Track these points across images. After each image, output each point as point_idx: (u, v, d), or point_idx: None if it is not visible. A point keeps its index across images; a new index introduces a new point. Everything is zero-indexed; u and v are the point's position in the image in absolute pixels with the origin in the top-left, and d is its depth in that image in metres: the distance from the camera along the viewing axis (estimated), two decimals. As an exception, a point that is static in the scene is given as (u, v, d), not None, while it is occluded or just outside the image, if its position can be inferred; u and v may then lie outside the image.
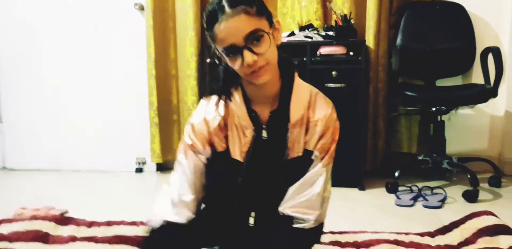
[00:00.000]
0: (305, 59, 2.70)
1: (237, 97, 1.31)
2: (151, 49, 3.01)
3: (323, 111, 1.31)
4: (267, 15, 1.22)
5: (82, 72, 3.24)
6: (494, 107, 2.99)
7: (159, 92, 3.07)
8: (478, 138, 3.06)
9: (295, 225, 1.28)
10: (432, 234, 1.96)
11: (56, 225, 2.05)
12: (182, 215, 1.31)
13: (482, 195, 2.52)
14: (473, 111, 3.02)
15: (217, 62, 1.28)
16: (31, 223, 2.02)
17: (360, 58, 2.67)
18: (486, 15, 2.95)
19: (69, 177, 3.17)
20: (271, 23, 1.23)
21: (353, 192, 2.70)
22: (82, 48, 3.22)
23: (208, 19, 1.19)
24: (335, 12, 2.84)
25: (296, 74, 1.34)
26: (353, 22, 2.79)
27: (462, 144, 3.02)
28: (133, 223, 2.07)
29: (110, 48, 3.19)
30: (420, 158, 2.79)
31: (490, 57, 2.67)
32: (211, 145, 1.34)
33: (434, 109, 2.68)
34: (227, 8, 1.15)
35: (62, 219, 2.13)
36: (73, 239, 1.93)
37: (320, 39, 2.76)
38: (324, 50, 2.70)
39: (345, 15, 2.79)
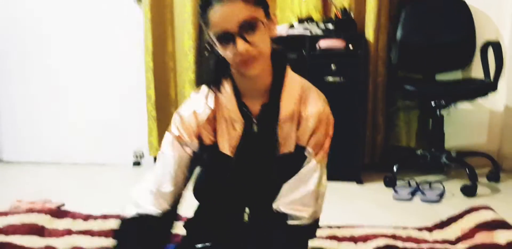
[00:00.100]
0: (304, 52, 2.68)
1: (227, 89, 1.28)
2: (149, 42, 2.99)
3: (315, 106, 1.28)
4: (264, 6, 1.20)
5: (80, 66, 3.24)
6: (494, 102, 2.98)
7: (157, 85, 3.05)
8: (477, 132, 3.04)
9: (290, 222, 1.25)
10: (429, 229, 1.95)
11: (51, 218, 2.04)
12: (158, 206, 1.26)
13: (480, 189, 2.51)
14: (472, 106, 3.01)
15: (208, 48, 1.25)
16: (26, 216, 2.02)
17: (359, 52, 2.65)
18: (486, 8, 2.92)
19: (66, 170, 3.17)
20: (267, 15, 1.20)
21: (351, 186, 2.69)
22: (79, 41, 3.20)
23: (203, 2, 1.16)
24: (334, 5, 2.82)
25: (288, 68, 1.31)
26: (352, 15, 2.77)
27: (461, 138, 3.01)
28: (130, 217, 2.05)
29: (108, 41, 3.18)
30: (419, 152, 2.78)
31: (490, 51, 2.65)
32: (199, 138, 1.30)
33: (433, 103, 2.67)
34: None
35: (58, 212, 2.12)
36: (68, 232, 1.93)
37: (319, 32, 2.75)
38: (323, 44, 2.68)
39: (345, 8, 2.77)
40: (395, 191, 2.53)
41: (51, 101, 3.30)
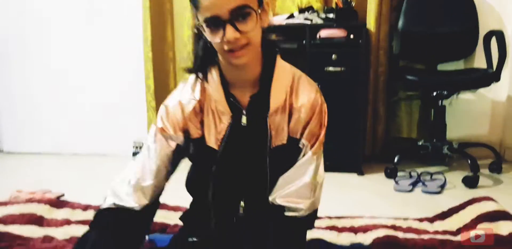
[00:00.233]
0: (304, 42, 2.65)
1: (214, 80, 1.23)
2: (148, 32, 2.96)
3: (307, 96, 1.23)
4: None
5: (79, 56, 3.23)
6: (496, 92, 2.95)
7: (156, 75, 3.03)
8: (479, 123, 3.02)
9: (287, 213, 1.23)
10: (430, 220, 1.94)
11: (51, 208, 2.04)
12: (135, 200, 1.23)
13: (482, 181, 2.50)
14: (474, 96, 2.99)
15: (196, 31, 1.19)
16: (26, 206, 2.02)
17: (360, 42, 2.62)
18: (490, -2, 2.89)
19: (66, 160, 3.17)
20: (260, 3, 1.15)
21: (352, 177, 2.68)
22: (79, 32, 3.19)
23: None
24: (335, -6, 2.79)
25: (278, 57, 1.26)
26: (353, 5, 2.73)
27: (463, 129, 2.99)
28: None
29: (107, 31, 3.16)
30: (420, 143, 2.77)
31: (493, 41, 2.62)
32: (185, 131, 1.26)
33: (435, 93, 2.65)
34: None
35: (57, 202, 2.12)
36: (67, 222, 1.93)
37: (320, 21, 2.72)
38: (324, 33, 2.65)
39: (346, -3, 2.74)
40: (396, 182, 2.51)
41: (51, 91, 3.29)
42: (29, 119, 3.35)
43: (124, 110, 3.23)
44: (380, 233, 1.73)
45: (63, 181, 2.65)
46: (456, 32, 2.85)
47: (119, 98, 3.22)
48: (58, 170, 2.94)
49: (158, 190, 1.28)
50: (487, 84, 2.60)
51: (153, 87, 3.03)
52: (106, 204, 1.25)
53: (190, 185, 1.37)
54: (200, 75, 1.24)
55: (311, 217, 1.27)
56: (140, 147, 3.20)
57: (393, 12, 2.88)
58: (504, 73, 2.60)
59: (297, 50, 2.67)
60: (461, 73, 2.81)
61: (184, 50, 3.00)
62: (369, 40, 2.79)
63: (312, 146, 1.24)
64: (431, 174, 2.59)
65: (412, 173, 2.62)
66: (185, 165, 1.36)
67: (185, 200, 1.41)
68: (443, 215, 1.97)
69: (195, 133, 1.26)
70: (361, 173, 2.72)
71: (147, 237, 1.39)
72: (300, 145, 1.24)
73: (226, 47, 1.11)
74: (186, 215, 1.44)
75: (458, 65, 2.96)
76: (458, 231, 1.77)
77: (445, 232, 1.79)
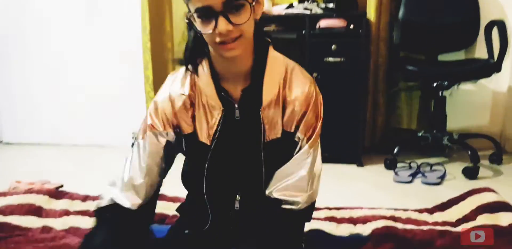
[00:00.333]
0: (303, 32, 2.63)
1: (205, 72, 1.19)
2: (146, 22, 2.93)
3: (300, 89, 1.19)
4: None
5: (78, 47, 3.21)
6: (497, 83, 2.93)
7: (155, 65, 3.01)
8: (479, 114, 3.01)
9: (284, 206, 1.20)
10: (430, 211, 1.94)
11: (49, 199, 2.05)
12: (129, 199, 1.20)
13: (482, 172, 2.49)
14: (475, 87, 2.97)
15: (187, 21, 1.13)
16: (25, 196, 2.03)
17: (360, 32, 2.59)
18: (491, -13, 2.87)
19: (65, 151, 3.17)
20: None
21: (351, 168, 2.68)
22: (77, 22, 3.17)
23: None
24: (335, -17, 2.76)
25: (271, 48, 1.22)
26: (354, -6, 2.71)
27: (463, 120, 2.98)
28: (127, 198, 2.05)
29: (105, 22, 3.14)
30: (420, 134, 2.75)
31: (495, 31, 2.60)
32: (176, 126, 1.23)
33: (435, 84, 2.63)
34: None
35: (56, 193, 2.13)
36: (66, 213, 1.93)
37: (319, 11, 2.69)
38: (323, 23, 2.63)
39: (346, -14, 2.71)
40: (396, 173, 2.51)
41: (50, 83, 3.28)
42: (28, 110, 3.34)
43: (123, 101, 3.22)
44: (379, 224, 1.73)
45: (62, 171, 2.65)
46: (457, 22, 2.83)
47: (118, 89, 3.21)
48: (57, 161, 2.94)
49: (152, 188, 1.25)
50: (488, 74, 2.58)
51: (151, 77, 3.01)
52: (105, 198, 1.23)
53: (185, 179, 1.35)
54: (190, 67, 1.21)
55: (308, 210, 1.25)
56: (139, 138, 3.21)
57: (394, 1, 2.85)
58: (505, 64, 2.58)
59: (297, 40, 2.65)
60: (462, 64, 2.79)
61: (183, 41, 2.98)
62: (369, 30, 2.76)
63: (308, 139, 1.21)
64: (431, 165, 2.59)
65: (412, 164, 2.61)
66: (183, 156, 1.34)
67: (184, 191, 1.40)
68: (443, 206, 1.96)
69: (186, 128, 1.22)
70: (360, 164, 2.71)
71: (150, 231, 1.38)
72: (296, 139, 1.21)
73: (217, 39, 1.08)
74: (183, 207, 1.43)
75: (459, 55, 2.94)
76: (458, 222, 1.77)
77: (444, 223, 1.78)
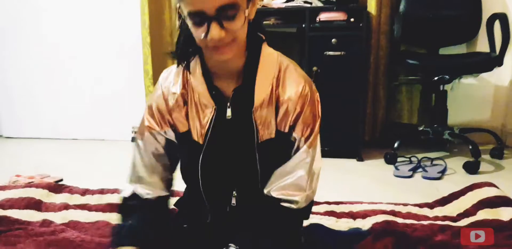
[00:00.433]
0: (303, 25, 2.62)
1: (197, 70, 1.17)
2: (146, 16, 2.93)
3: (294, 88, 1.15)
4: None
5: (78, 41, 3.20)
6: (499, 77, 2.92)
7: (154, 60, 3.01)
8: (481, 108, 3.00)
9: (283, 204, 1.19)
10: (430, 205, 1.93)
11: (49, 193, 2.04)
12: (148, 191, 1.25)
13: (483, 166, 2.48)
14: (476, 81, 2.96)
15: (178, 16, 1.11)
16: (24, 190, 2.02)
17: (361, 25, 2.58)
18: (493, -20, 2.84)
19: (65, 145, 3.17)
20: None
21: (351, 163, 2.67)
22: (76, 16, 3.16)
23: None
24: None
25: (264, 45, 1.19)
26: (354, -13, 2.69)
27: (465, 114, 2.97)
28: (126, 192, 2.05)
29: (104, 15, 3.13)
30: (421, 128, 2.74)
31: (497, 24, 2.58)
32: (173, 124, 1.22)
33: (436, 78, 2.61)
34: None
35: (56, 187, 2.12)
36: (66, 207, 1.92)
37: (319, 4, 2.68)
38: (323, 16, 2.61)
39: (347, -21, 2.69)
40: (396, 167, 2.50)
41: (50, 77, 3.27)
42: (28, 104, 3.34)
43: (123, 95, 3.21)
44: (379, 218, 1.72)
45: (61, 165, 2.65)
46: (458, 15, 2.81)
47: (118, 83, 3.20)
48: (57, 155, 2.94)
49: (159, 185, 1.26)
50: (489, 68, 2.57)
51: (151, 72, 3.01)
52: (127, 193, 1.26)
53: (182, 174, 1.35)
54: (183, 66, 1.19)
55: (307, 208, 1.25)
56: (139, 132, 3.21)
57: (395, -6, 2.84)
58: (507, 57, 2.57)
59: (297, 33, 2.63)
60: (463, 57, 2.77)
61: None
62: (370, 24, 2.74)
63: (306, 139, 1.18)
64: (432, 160, 2.58)
65: (412, 159, 2.60)
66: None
67: (182, 185, 1.40)
68: (443, 201, 1.95)
69: (181, 127, 1.22)
70: (360, 158, 2.70)
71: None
72: (292, 139, 1.19)
73: (209, 44, 1.05)
74: (181, 202, 1.43)
75: (461, 49, 2.93)
76: (458, 217, 1.76)
77: (445, 218, 1.77)
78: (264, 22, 2.63)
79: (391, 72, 2.89)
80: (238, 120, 1.18)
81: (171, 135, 1.23)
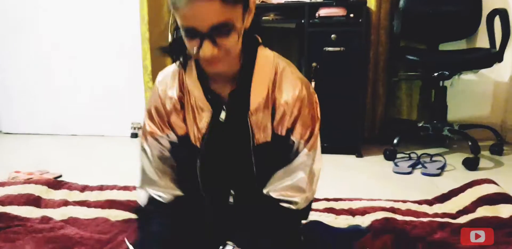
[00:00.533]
0: (303, 21, 2.60)
1: (192, 73, 1.16)
2: (144, 11, 2.91)
3: (290, 92, 1.14)
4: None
5: (77, 36, 3.19)
6: (499, 73, 2.91)
7: (153, 55, 3.00)
8: (480, 104, 2.99)
9: (282, 204, 1.19)
10: (430, 202, 1.92)
11: (48, 189, 2.04)
12: (167, 194, 1.25)
13: (483, 163, 2.48)
14: (476, 77, 2.95)
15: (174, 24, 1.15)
16: (23, 186, 2.02)
17: (360, 20, 2.56)
18: (493, -25, 2.83)
19: (64, 141, 3.17)
20: (246, 7, 1.05)
21: (351, 159, 2.66)
22: (74, 12, 3.15)
23: None
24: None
25: (260, 47, 1.17)
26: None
27: (464, 110, 2.97)
28: (126, 188, 2.05)
29: (103, 11, 3.11)
30: (420, 124, 2.74)
31: (497, 20, 2.57)
32: (173, 128, 1.23)
33: (436, 74, 2.60)
34: None
35: (55, 183, 2.11)
36: (65, 203, 1.92)
37: (319, 0, 2.65)
38: (323, 12, 2.60)
39: (347, -26, 2.67)
40: (395, 164, 2.50)
41: (49, 73, 3.26)
42: (27, 100, 3.33)
43: (122, 90, 3.20)
44: (379, 215, 1.72)
45: (61, 162, 2.65)
46: (458, 10, 2.80)
47: (117, 78, 3.19)
48: (56, 151, 2.93)
49: (172, 186, 1.26)
50: (489, 64, 2.56)
51: (150, 67, 3.00)
52: (143, 201, 1.28)
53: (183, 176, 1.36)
54: (180, 66, 1.19)
55: (306, 209, 1.25)
56: (139, 128, 3.20)
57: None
58: (507, 53, 2.56)
59: (296, 29, 2.62)
60: (463, 53, 2.77)
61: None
62: (370, 19, 2.74)
63: (306, 142, 1.18)
64: (431, 156, 2.58)
65: (412, 155, 2.60)
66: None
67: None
68: (443, 198, 1.95)
69: (179, 130, 1.22)
70: (360, 155, 2.70)
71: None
72: (290, 142, 1.18)
73: (201, 58, 1.04)
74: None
75: (460, 45, 2.92)
76: (458, 214, 1.76)
77: (444, 215, 1.77)
78: (263, 18, 2.61)
79: (390, 68, 2.88)
80: (234, 124, 1.17)
81: (174, 138, 1.23)
